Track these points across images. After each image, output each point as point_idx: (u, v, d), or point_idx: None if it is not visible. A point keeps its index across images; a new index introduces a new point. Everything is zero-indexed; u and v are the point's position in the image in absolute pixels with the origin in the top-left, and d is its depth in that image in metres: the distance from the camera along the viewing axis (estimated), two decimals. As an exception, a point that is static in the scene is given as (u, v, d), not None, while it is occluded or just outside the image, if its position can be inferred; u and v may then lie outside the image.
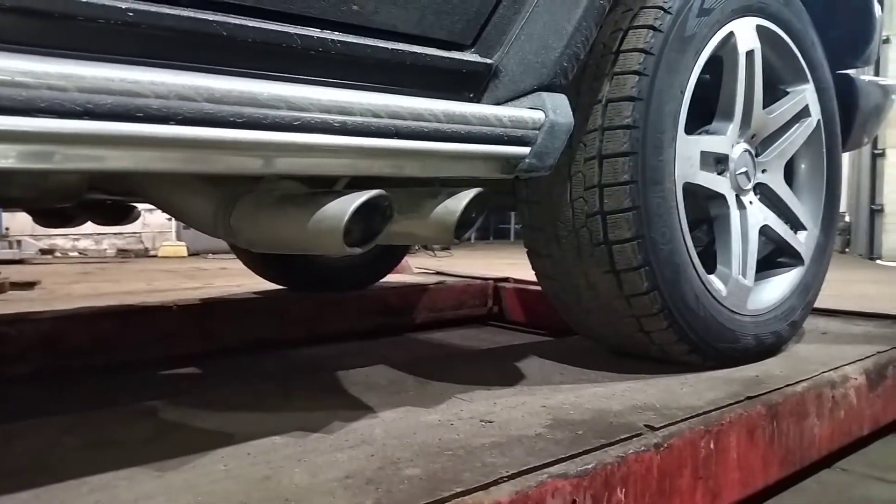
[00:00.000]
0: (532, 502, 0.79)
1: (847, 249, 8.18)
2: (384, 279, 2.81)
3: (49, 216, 1.68)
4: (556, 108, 1.06)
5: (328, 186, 1.03)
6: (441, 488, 0.77)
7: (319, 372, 1.37)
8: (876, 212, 7.94)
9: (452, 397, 1.16)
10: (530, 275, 1.45)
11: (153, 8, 0.77)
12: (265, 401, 1.18)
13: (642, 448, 0.93)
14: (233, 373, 1.96)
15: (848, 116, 1.79)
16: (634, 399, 1.14)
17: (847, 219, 8.20)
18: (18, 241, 6.92)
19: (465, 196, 1.01)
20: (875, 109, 1.92)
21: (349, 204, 0.86)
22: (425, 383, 1.26)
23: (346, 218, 0.85)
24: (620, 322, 1.32)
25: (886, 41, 7.27)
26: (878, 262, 7.44)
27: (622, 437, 0.95)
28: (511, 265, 4.44)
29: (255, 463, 0.87)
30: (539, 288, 1.49)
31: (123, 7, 0.74)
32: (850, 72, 1.86)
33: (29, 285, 3.63)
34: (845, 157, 1.88)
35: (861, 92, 1.84)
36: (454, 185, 1.07)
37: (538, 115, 1.04)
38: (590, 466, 0.86)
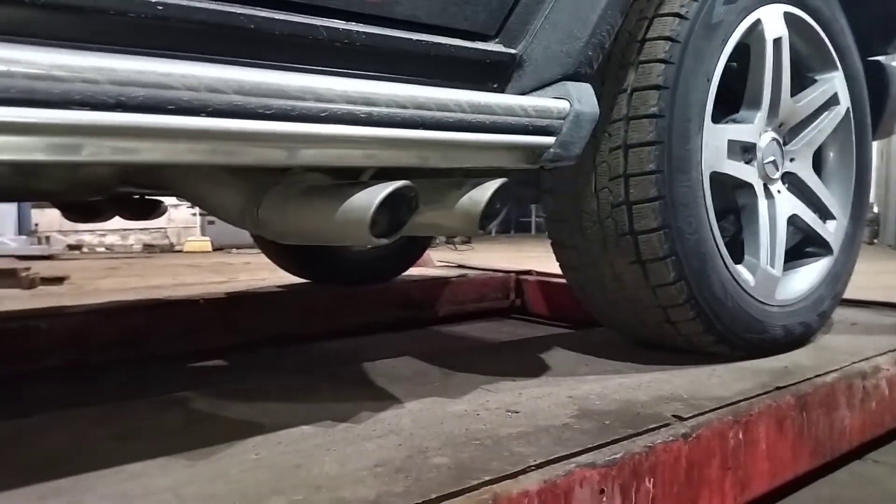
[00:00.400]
0: (560, 491, 0.79)
1: (875, 240, 8.03)
2: (406, 272, 2.81)
3: (78, 210, 1.71)
4: (580, 98, 1.05)
5: (354, 178, 1.03)
6: (469, 476, 0.78)
7: (344, 364, 1.38)
8: (905, 202, 7.79)
9: (478, 388, 1.16)
10: (552, 267, 1.44)
11: (182, 2, 0.78)
12: (293, 392, 1.19)
13: (670, 438, 0.92)
14: (259, 365, 1.98)
15: (878, 104, 1.76)
16: (661, 390, 1.13)
17: (875, 209, 8.05)
18: (47, 237, 7.06)
19: (490, 186, 1.01)
20: (906, 97, 1.88)
21: (376, 195, 0.86)
22: (450, 374, 1.27)
23: (373, 209, 0.85)
24: (646, 313, 1.31)
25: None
26: (908, 253, 7.29)
27: (650, 427, 0.94)
28: (533, 258, 4.43)
29: (285, 452, 0.88)
30: (562, 280, 1.49)
31: (153, 1, 0.75)
32: (881, 58, 1.82)
33: (58, 280, 3.70)
34: (875, 147, 1.85)
35: (892, 79, 1.80)
36: (479, 175, 1.07)
37: (563, 105, 1.03)
38: (618, 456, 0.86)
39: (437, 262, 3.48)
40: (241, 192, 1.01)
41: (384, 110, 0.84)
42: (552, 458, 0.83)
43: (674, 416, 0.99)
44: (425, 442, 0.90)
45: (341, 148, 0.83)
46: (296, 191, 0.96)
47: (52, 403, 1.50)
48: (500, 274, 2.89)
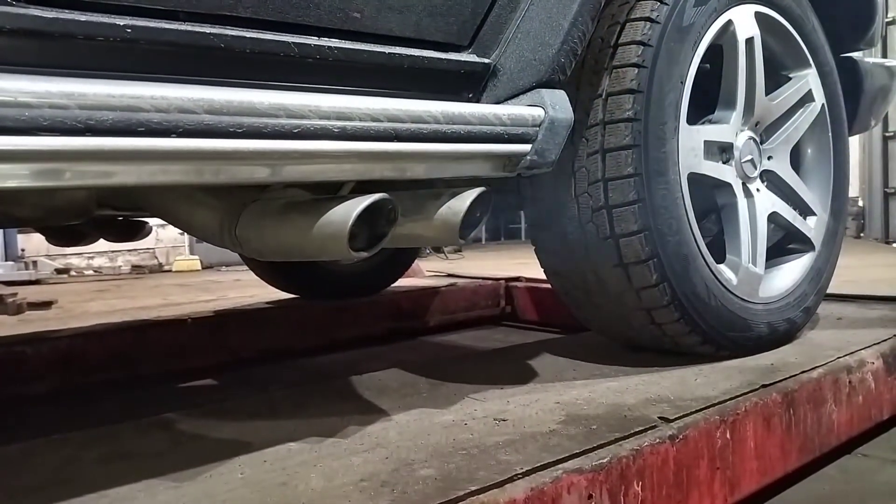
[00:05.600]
0: (548, 498, 0.79)
1: (862, 234, 8.09)
2: (396, 283, 2.81)
3: (61, 235, 1.70)
4: (555, 105, 1.06)
5: (334, 192, 1.03)
6: (456, 487, 0.78)
7: (333, 378, 1.37)
8: (889, 195, 7.85)
9: (465, 397, 1.16)
10: (542, 273, 1.45)
11: (151, 24, 0.78)
12: (280, 408, 1.18)
13: (657, 440, 0.92)
14: (248, 382, 1.97)
15: (854, 99, 1.78)
16: (648, 392, 1.13)
17: (860, 203, 8.11)
18: (34, 262, 7.00)
19: (469, 196, 1.01)
20: (881, 91, 1.90)
21: (353, 208, 0.86)
22: (438, 385, 1.27)
23: (351, 222, 0.85)
24: (631, 315, 1.32)
25: (892, 22, 7.19)
26: (895, 245, 7.35)
27: (637, 430, 0.94)
28: (522, 264, 4.43)
29: (271, 470, 0.88)
30: (551, 286, 1.49)
31: (122, 24, 0.76)
32: (855, 54, 1.84)
33: (46, 305, 3.67)
34: (856, 141, 1.87)
35: (866, 74, 1.83)
36: (458, 185, 1.08)
37: (538, 112, 1.04)
38: (605, 461, 0.86)
39: (426, 272, 3.47)
40: (218, 210, 1.01)
41: (358, 124, 0.84)
42: (539, 465, 0.83)
43: (660, 417, 0.99)
44: (412, 454, 0.90)
45: (316, 163, 0.84)
46: (273, 207, 0.96)
47: (38, 428, 1.49)
48: (490, 282, 2.89)
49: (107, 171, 0.69)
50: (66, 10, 0.73)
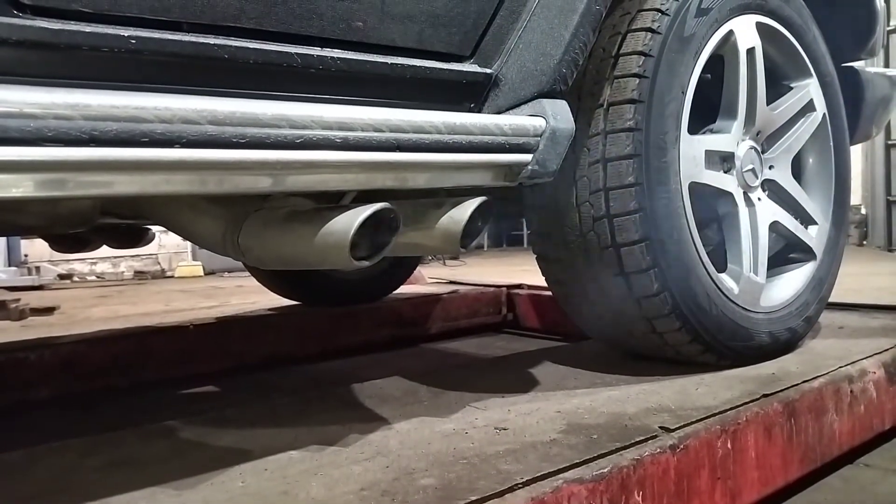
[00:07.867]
0: (548, 508, 0.79)
1: (865, 242, 8.08)
2: (398, 291, 2.81)
3: (65, 241, 1.70)
4: (556, 115, 1.06)
5: (336, 202, 1.04)
6: (456, 497, 0.78)
7: (335, 386, 1.37)
8: (892, 203, 7.83)
9: (467, 406, 1.17)
10: (543, 281, 1.45)
11: (155, 35, 0.79)
12: (282, 416, 1.19)
13: (658, 450, 0.92)
14: (250, 389, 1.97)
15: (855, 109, 1.78)
16: (649, 401, 1.13)
17: (863, 211, 8.10)
18: (37, 268, 7.02)
19: (470, 205, 1.01)
20: (882, 101, 1.91)
21: (355, 218, 0.87)
22: (439, 393, 1.27)
23: (353, 232, 0.86)
24: (632, 324, 1.32)
25: (893, 32, 7.20)
26: (897, 253, 7.33)
27: (637, 439, 0.94)
28: (525, 272, 4.43)
29: (272, 478, 0.88)
30: (552, 294, 1.49)
31: (126, 35, 0.76)
32: (857, 64, 1.85)
33: (48, 310, 3.68)
34: (858, 150, 1.88)
35: (867, 84, 1.83)
36: (460, 194, 1.08)
37: (539, 122, 1.04)
38: (605, 470, 0.86)
39: (428, 279, 3.47)
40: (221, 219, 1.01)
41: (360, 134, 0.85)
42: (539, 475, 0.83)
43: (661, 427, 0.99)
44: (412, 463, 0.90)
45: (318, 173, 0.84)
46: (276, 216, 0.97)
47: (40, 435, 1.49)
48: (492, 289, 2.88)
49: (110, 181, 0.69)
50: (72, 22, 0.74)
